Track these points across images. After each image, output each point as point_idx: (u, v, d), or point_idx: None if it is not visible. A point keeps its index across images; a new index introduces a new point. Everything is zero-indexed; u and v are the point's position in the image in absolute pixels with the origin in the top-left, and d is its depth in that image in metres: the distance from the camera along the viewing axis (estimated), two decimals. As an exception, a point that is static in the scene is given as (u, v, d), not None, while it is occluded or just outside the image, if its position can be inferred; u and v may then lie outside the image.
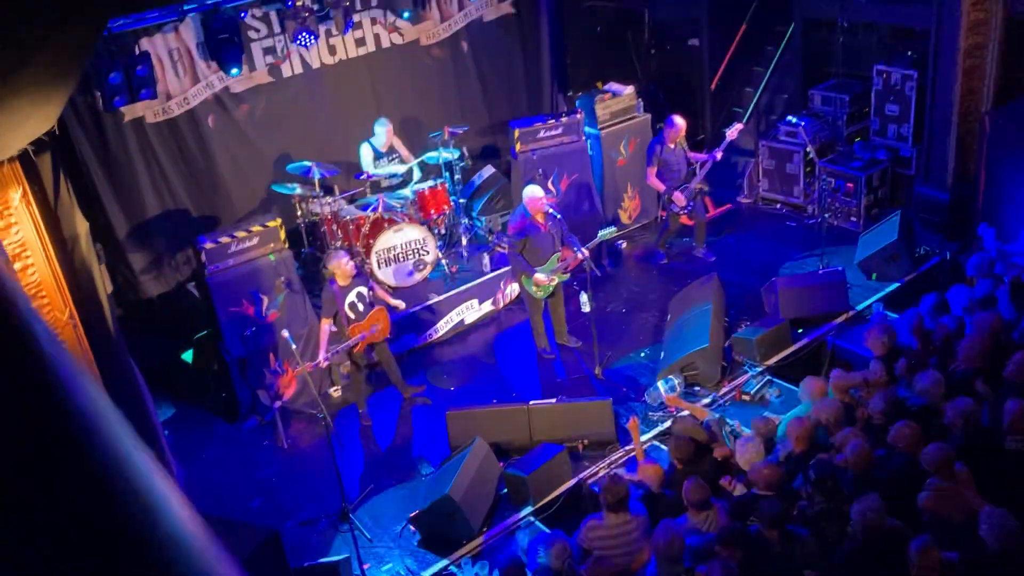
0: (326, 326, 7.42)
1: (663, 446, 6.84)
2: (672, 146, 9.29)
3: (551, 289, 8.14)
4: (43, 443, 0.72)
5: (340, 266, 7.38)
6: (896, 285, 8.61)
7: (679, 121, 9.28)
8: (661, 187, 9.41)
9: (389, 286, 9.04)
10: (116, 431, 0.80)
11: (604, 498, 5.41)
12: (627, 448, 7.09)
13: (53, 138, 5.91)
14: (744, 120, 11.20)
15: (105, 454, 0.76)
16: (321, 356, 7.30)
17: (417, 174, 9.60)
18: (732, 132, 9.16)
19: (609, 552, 5.20)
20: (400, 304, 7.87)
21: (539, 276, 7.92)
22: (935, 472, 4.77)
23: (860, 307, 8.36)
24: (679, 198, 9.35)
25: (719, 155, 9.24)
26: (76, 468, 0.73)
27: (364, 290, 7.54)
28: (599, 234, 8.08)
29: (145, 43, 8.49)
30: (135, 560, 0.74)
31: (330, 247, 8.83)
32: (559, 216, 8.12)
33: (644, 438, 7.17)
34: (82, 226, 6.37)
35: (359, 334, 7.41)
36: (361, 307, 7.51)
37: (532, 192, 7.90)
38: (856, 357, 7.46)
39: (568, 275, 8.22)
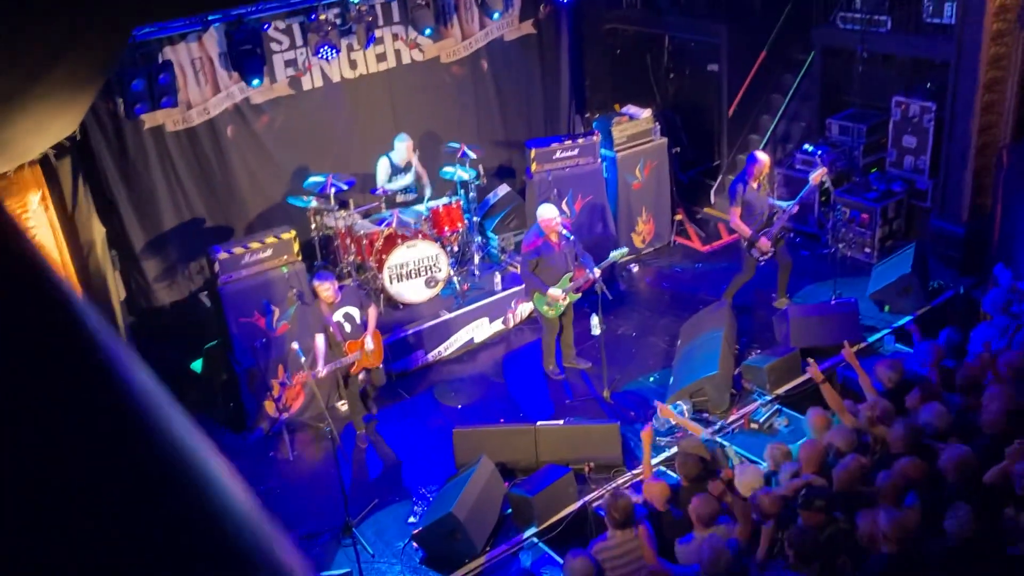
0: (320, 339, 7.34)
1: (671, 472, 6.80)
2: (755, 185, 8.61)
3: (563, 308, 8.14)
4: (108, 430, 0.73)
5: (321, 290, 7.29)
6: (908, 318, 8.56)
7: (762, 157, 8.63)
8: (747, 232, 8.64)
9: (401, 302, 9.06)
10: (171, 413, 0.82)
11: (609, 516, 5.38)
12: (634, 472, 7.05)
13: (74, 143, 5.97)
14: (761, 147, 11.22)
15: (165, 436, 0.78)
16: (320, 367, 7.22)
17: (428, 191, 9.61)
18: (816, 176, 8.61)
19: (619, 570, 5.18)
20: (369, 345, 7.53)
21: (553, 292, 7.92)
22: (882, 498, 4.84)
23: (872, 339, 8.31)
24: (765, 244, 8.64)
25: (796, 209, 8.76)
26: (143, 453, 0.74)
27: (354, 311, 7.48)
28: (611, 255, 8.07)
29: (168, 52, 8.58)
30: (211, 542, 0.75)
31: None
32: (572, 237, 8.13)
33: (652, 462, 7.13)
34: (98, 232, 6.43)
35: (356, 351, 7.39)
36: (349, 327, 7.45)
37: (547, 212, 7.91)
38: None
39: (579, 294, 8.21)
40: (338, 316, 7.37)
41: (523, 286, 8.49)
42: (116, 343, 0.80)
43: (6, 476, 0.65)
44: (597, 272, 7.78)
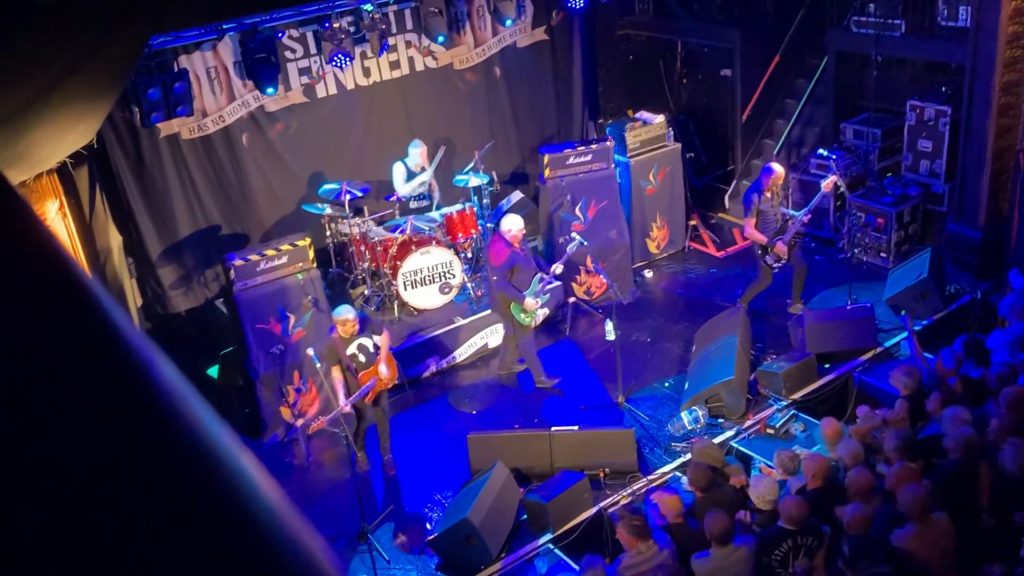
0: (337, 374, 7.05)
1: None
2: (769, 195, 8.62)
3: (536, 315, 8.15)
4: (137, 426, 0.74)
5: (344, 323, 7.01)
6: (925, 323, 8.51)
7: (777, 168, 8.63)
8: (763, 239, 8.66)
9: (415, 308, 9.07)
10: (198, 407, 0.83)
11: (627, 527, 5.35)
12: (649, 478, 7.04)
13: (91, 152, 6.02)
14: (775, 152, 11.18)
15: (195, 430, 0.79)
16: (343, 403, 6.92)
17: (437, 194, 9.62)
18: (827, 184, 8.62)
19: None
20: (384, 371, 7.25)
21: (529, 300, 7.93)
22: (909, 517, 4.76)
23: (888, 344, 8.27)
24: (782, 249, 8.62)
25: (807, 217, 8.75)
26: (175, 449, 0.75)
27: (367, 342, 7.20)
28: (568, 249, 8.16)
29: (184, 60, 8.64)
30: (242, 536, 0.76)
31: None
32: (586, 243, 8.12)
33: (665, 468, 7.12)
34: (115, 239, 6.47)
35: (369, 380, 7.14)
36: (363, 358, 7.16)
37: (514, 223, 7.91)
38: (883, 394, 7.37)
39: (548, 296, 8.30)
40: (352, 348, 7.11)
41: (497, 300, 8.30)
42: (142, 340, 0.81)
43: (32, 468, 0.66)
44: (559, 268, 8.06)
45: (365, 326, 7.24)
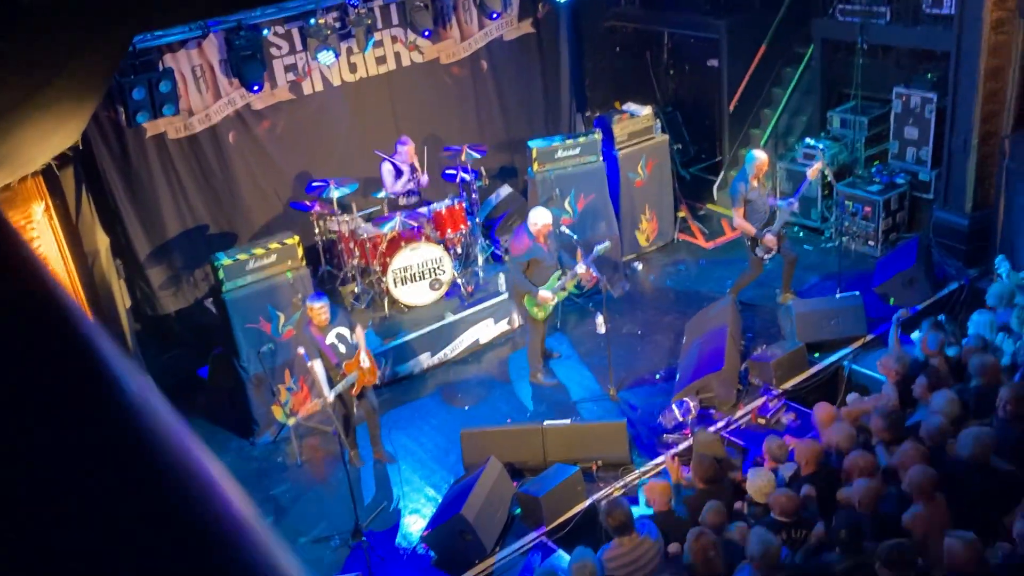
0: (318, 366, 7.03)
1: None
2: (756, 183, 8.58)
3: (550, 309, 8.15)
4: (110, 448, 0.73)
5: (316, 311, 7.01)
6: (914, 310, 8.54)
7: (760, 155, 8.61)
8: (752, 230, 8.63)
9: (406, 304, 9.07)
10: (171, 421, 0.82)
11: (607, 525, 5.39)
12: (641, 470, 7.06)
13: (76, 153, 5.98)
14: (763, 142, 11.20)
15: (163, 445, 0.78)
16: (327, 392, 6.98)
17: (425, 177, 9.58)
18: (813, 171, 8.70)
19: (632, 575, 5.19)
20: (365, 362, 7.26)
21: (543, 294, 7.90)
22: (915, 496, 4.80)
23: (877, 332, 8.30)
24: (770, 240, 8.61)
25: (795, 205, 8.82)
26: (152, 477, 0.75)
27: (345, 332, 7.22)
28: (595, 250, 8.04)
29: (168, 59, 8.60)
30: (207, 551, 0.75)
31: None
32: (575, 237, 8.11)
33: (658, 460, 7.14)
34: (102, 241, 6.44)
35: (353, 370, 7.15)
36: (343, 348, 7.17)
37: (542, 217, 7.86)
38: (873, 382, 7.42)
39: (568, 293, 8.22)
40: (331, 338, 7.12)
41: (510, 288, 8.38)
42: (116, 355, 0.80)
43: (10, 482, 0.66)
44: (581, 267, 7.83)
45: (337, 313, 7.25)
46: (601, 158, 9.87)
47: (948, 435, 5.40)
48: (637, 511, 5.84)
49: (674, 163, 11.01)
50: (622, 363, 8.44)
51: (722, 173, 11.68)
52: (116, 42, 4.35)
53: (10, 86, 3.07)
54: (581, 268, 7.87)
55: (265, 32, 8.92)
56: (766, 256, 8.77)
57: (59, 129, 5.04)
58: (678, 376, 8.03)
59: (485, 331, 9.18)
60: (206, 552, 0.73)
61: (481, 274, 9.57)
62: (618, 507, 5.43)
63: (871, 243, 9.90)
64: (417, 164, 9.54)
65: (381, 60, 9.99)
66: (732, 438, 7.25)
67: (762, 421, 7.37)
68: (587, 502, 6.77)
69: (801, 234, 10.48)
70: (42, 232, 5.79)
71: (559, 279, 7.97)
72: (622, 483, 6.96)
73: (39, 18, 2.67)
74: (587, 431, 7.27)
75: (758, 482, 5.72)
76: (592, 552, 5.30)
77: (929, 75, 9.83)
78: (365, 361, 7.24)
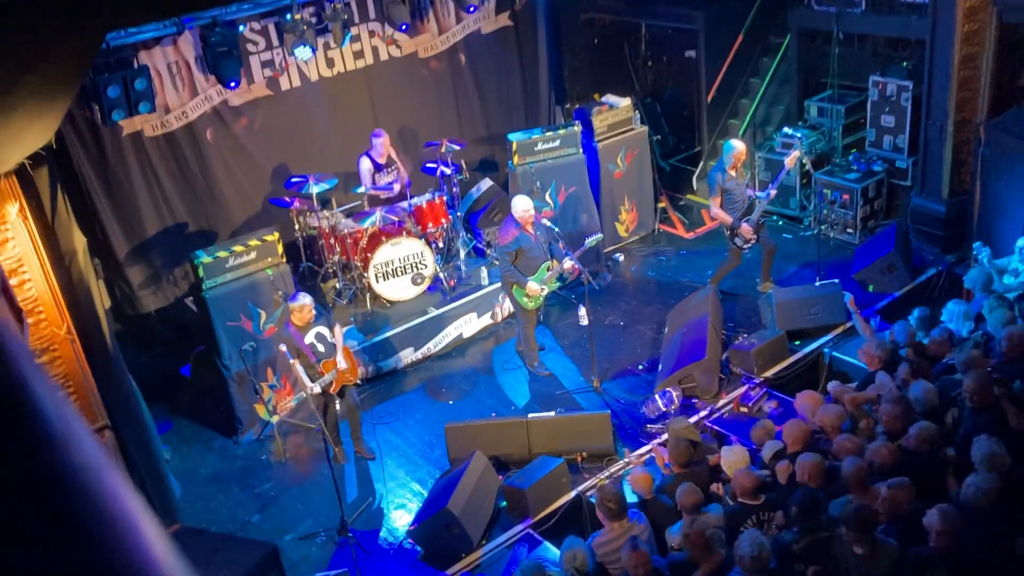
0: (297, 364, 7.01)
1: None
2: (733, 173, 8.60)
3: (541, 300, 8.16)
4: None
5: (300, 310, 7.03)
6: (893, 297, 8.62)
7: (738, 144, 8.62)
8: (728, 219, 8.67)
9: (388, 300, 9.04)
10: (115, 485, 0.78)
11: (603, 508, 5.43)
12: (625, 460, 7.09)
13: (50, 152, 5.91)
14: (741, 133, 11.24)
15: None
16: (309, 386, 6.99)
17: (404, 172, 9.54)
18: (790, 160, 8.79)
19: (620, 563, 5.20)
20: (343, 363, 7.23)
21: (532, 285, 7.92)
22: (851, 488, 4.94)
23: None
24: (747, 230, 8.66)
25: (774, 193, 8.85)
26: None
27: (324, 331, 7.23)
28: (585, 242, 8.07)
29: (144, 56, 8.51)
30: None
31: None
32: (556, 229, 8.12)
33: (641, 450, 7.17)
34: (80, 241, 6.36)
35: (331, 370, 7.13)
36: (322, 347, 7.17)
37: (522, 203, 7.91)
38: (854, 368, 7.47)
39: (558, 284, 8.23)
40: (309, 338, 7.11)
41: (501, 278, 8.43)
42: (40, 380, 0.77)
43: None
44: (568, 263, 7.83)
45: (321, 313, 7.26)
46: (581, 150, 9.87)
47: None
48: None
49: (654, 154, 11.04)
50: (605, 354, 8.47)
51: (701, 163, 11.72)
52: (88, 39, 4.31)
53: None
54: (568, 263, 7.87)
55: (241, 28, 8.85)
56: (745, 246, 8.81)
57: (31, 128, 4.98)
58: (660, 366, 8.06)
59: (468, 325, 9.18)
60: None
61: (463, 268, 9.55)
62: (612, 492, 5.48)
63: (849, 231, 9.97)
64: (394, 155, 9.51)
65: (359, 55, 9.95)
66: (715, 427, 7.29)
67: (744, 409, 7.42)
68: (572, 493, 6.80)
69: (780, 223, 10.53)
70: (17, 233, 5.71)
71: (548, 270, 7.98)
72: (607, 474, 6.98)
73: (7, 14, 2.64)
74: (572, 423, 7.28)
75: (731, 458, 5.79)
76: (582, 541, 5.33)
77: (905, 63, 9.91)
78: (343, 362, 7.21)
